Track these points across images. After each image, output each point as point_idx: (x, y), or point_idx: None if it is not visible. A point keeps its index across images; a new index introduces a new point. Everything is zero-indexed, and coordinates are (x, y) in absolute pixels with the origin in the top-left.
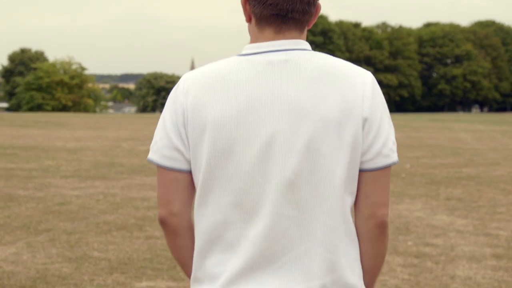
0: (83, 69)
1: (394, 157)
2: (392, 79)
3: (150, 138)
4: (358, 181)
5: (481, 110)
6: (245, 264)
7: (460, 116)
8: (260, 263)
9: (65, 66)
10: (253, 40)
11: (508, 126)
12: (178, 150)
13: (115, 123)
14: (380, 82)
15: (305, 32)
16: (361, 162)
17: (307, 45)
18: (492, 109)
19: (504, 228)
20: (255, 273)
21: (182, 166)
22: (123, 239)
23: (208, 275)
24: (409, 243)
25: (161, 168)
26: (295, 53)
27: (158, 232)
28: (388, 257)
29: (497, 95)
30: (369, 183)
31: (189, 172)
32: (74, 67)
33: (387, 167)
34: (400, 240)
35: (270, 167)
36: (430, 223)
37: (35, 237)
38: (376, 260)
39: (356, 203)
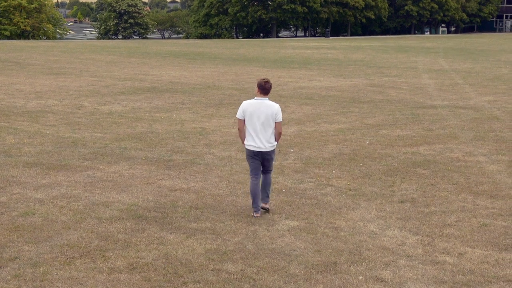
0: None
1: (280, 119)
2: (358, 0)
3: (113, 91)
4: (274, 125)
5: (448, 31)
6: (255, 140)
7: (426, 40)
8: (257, 138)
9: None
10: (256, 96)
11: (472, 62)
12: (242, 115)
13: (77, 63)
14: (346, 4)
15: (267, 94)
16: (274, 122)
17: (267, 99)
18: (459, 30)
19: (451, 251)
20: (256, 140)
21: (242, 118)
22: (87, 273)
23: (248, 139)
24: (360, 277)
25: (239, 119)
26: (265, 100)
27: (121, 260)
28: None
29: (464, 16)
30: (276, 126)
31: (244, 120)
32: None
33: (279, 122)
34: (351, 274)
35: (259, 121)
36: (382, 244)
37: (0, 272)
38: (278, 138)
39: (274, 129)
